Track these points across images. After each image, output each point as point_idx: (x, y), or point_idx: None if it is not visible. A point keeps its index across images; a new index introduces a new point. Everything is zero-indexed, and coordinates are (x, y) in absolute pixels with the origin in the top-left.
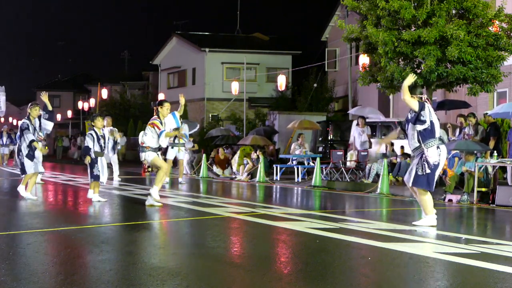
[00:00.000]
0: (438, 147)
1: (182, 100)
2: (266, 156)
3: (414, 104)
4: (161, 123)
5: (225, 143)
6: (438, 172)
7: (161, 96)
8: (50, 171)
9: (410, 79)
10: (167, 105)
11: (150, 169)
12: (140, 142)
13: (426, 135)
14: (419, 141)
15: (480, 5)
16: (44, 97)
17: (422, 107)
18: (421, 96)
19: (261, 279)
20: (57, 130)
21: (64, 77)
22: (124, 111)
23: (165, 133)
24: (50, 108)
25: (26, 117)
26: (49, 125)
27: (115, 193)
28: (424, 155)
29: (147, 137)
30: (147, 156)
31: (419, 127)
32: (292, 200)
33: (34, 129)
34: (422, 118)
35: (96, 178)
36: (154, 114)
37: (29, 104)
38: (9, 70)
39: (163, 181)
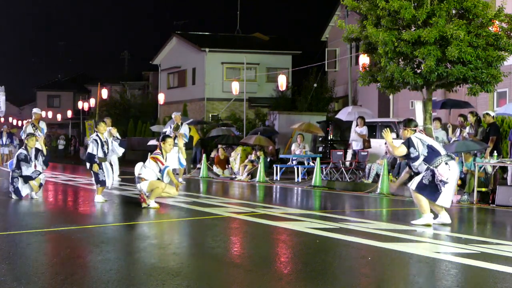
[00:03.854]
0: (446, 163)
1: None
2: (266, 156)
3: (402, 150)
4: (163, 157)
5: (225, 143)
6: (452, 187)
7: (161, 96)
8: (50, 171)
9: (388, 137)
10: (169, 141)
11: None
12: (136, 173)
13: (430, 158)
14: (426, 165)
15: (480, 5)
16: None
17: (408, 145)
18: (414, 129)
19: (261, 279)
20: (54, 131)
21: (64, 77)
22: (124, 111)
23: (167, 170)
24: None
25: (23, 147)
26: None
27: (115, 193)
28: (436, 173)
29: (146, 170)
30: (143, 186)
31: (416, 163)
32: (292, 200)
33: (30, 159)
34: (412, 155)
35: (102, 183)
36: (158, 149)
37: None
38: (9, 70)
39: (157, 195)
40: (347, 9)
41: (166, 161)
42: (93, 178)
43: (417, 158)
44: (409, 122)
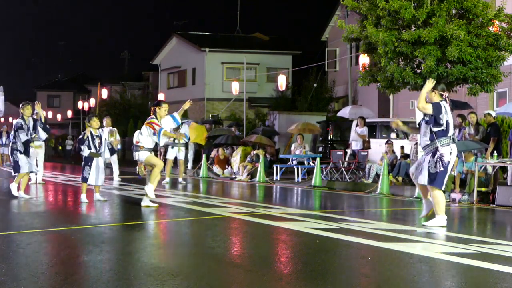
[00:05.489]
0: (450, 147)
1: (186, 105)
2: (266, 156)
3: (429, 109)
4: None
5: (225, 143)
6: (449, 171)
7: (161, 96)
8: (50, 171)
9: (430, 85)
10: (165, 106)
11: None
12: (134, 141)
13: (440, 134)
14: (431, 139)
15: (480, 5)
16: (38, 107)
17: (438, 110)
18: (442, 93)
19: (261, 279)
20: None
21: (64, 77)
22: (124, 111)
23: (163, 131)
24: (43, 119)
25: (20, 117)
26: (43, 135)
27: (115, 193)
28: (438, 153)
29: (142, 136)
30: (141, 156)
31: (435, 129)
32: (292, 200)
33: (28, 128)
34: (440, 121)
35: (84, 180)
36: (151, 114)
37: (21, 104)
38: (9, 70)
39: (158, 179)
40: (347, 9)
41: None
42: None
43: (441, 125)
44: (436, 85)
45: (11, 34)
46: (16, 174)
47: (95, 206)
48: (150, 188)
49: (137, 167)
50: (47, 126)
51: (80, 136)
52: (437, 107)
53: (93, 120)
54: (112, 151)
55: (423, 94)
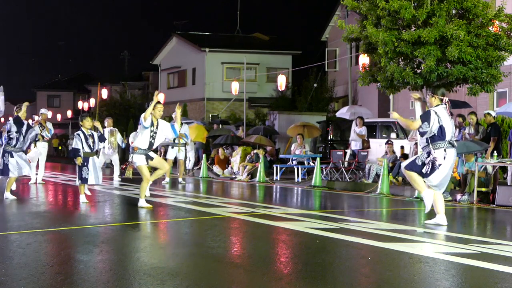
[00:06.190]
0: (445, 150)
1: (178, 112)
2: (266, 156)
3: (416, 124)
4: (151, 122)
5: (225, 143)
6: (444, 173)
7: (161, 96)
8: (50, 171)
9: (396, 115)
10: (159, 107)
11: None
12: (130, 142)
13: (436, 138)
14: (427, 142)
15: (480, 5)
16: (36, 127)
17: (424, 119)
18: (442, 98)
19: (261, 279)
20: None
21: (64, 77)
22: (124, 111)
23: (144, 113)
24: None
25: (14, 117)
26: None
27: (115, 193)
28: (431, 156)
29: (137, 135)
30: (136, 160)
31: (422, 137)
32: (292, 200)
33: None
34: (421, 130)
35: (84, 181)
36: None
37: (15, 107)
38: (9, 70)
39: (147, 189)
40: (347, 9)
41: (157, 128)
42: (76, 178)
43: (424, 133)
44: (436, 89)
45: (11, 34)
46: (5, 176)
47: (95, 206)
48: (142, 202)
49: (126, 168)
50: (34, 139)
51: (74, 146)
52: (424, 116)
53: (86, 120)
54: (101, 138)
55: (402, 120)
